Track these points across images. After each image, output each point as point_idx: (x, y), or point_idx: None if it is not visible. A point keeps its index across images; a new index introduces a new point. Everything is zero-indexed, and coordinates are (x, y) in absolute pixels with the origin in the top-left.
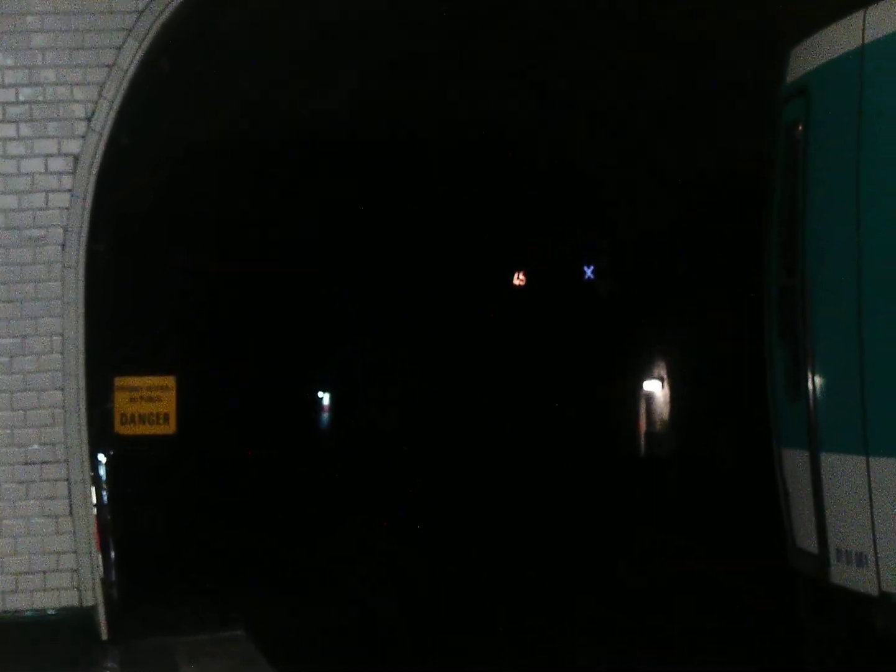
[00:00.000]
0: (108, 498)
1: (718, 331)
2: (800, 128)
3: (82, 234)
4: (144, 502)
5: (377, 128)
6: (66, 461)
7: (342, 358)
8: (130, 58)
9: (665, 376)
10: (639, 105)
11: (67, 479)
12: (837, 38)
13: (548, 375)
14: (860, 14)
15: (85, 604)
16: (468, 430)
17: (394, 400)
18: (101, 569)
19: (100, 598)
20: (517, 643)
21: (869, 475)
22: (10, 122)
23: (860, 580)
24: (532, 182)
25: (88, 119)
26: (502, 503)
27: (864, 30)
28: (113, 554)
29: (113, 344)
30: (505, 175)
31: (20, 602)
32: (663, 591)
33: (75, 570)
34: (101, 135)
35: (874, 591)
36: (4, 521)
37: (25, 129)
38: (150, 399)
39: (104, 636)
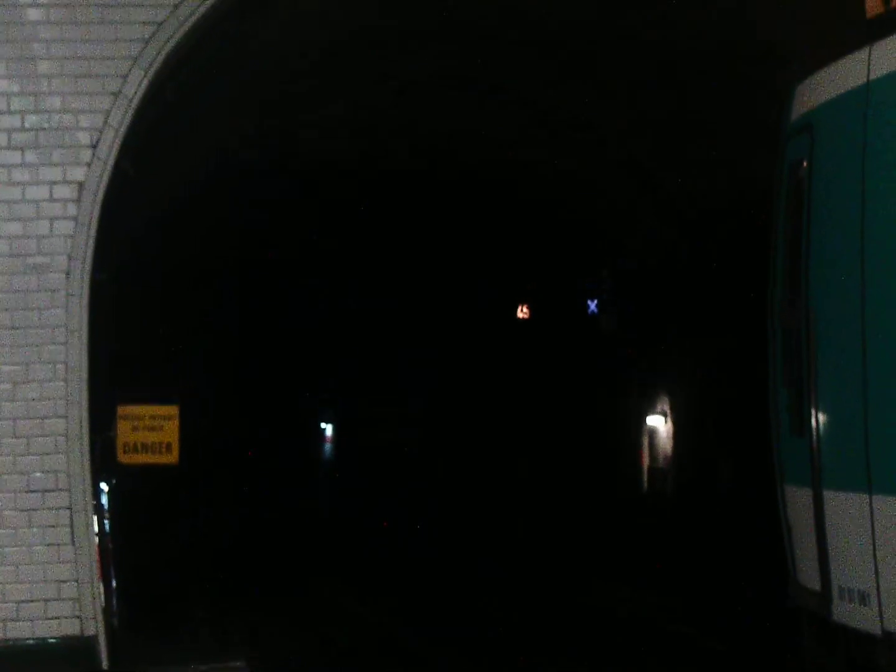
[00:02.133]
0: (109, 527)
1: (722, 366)
2: (804, 165)
3: (86, 262)
4: (146, 534)
5: (380, 158)
6: (69, 489)
7: (343, 388)
8: (136, 86)
9: (668, 411)
10: (644, 139)
11: (69, 508)
12: (842, 75)
13: (551, 407)
14: (865, 51)
15: (86, 633)
16: (468, 460)
17: (394, 428)
18: (103, 598)
19: (101, 628)
20: None
21: (872, 513)
22: (15, 148)
23: (863, 619)
24: (534, 214)
25: (94, 147)
26: (497, 533)
27: (868, 67)
28: (114, 583)
29: (115, 372)
30: (504, 206)
31: (21, 630)
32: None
33: (76, 599)
34: (106, 163)
35: (877, 630)
36: (6, 549)
37: (31, 156)
38: (152, 428)
39: (105, 665)
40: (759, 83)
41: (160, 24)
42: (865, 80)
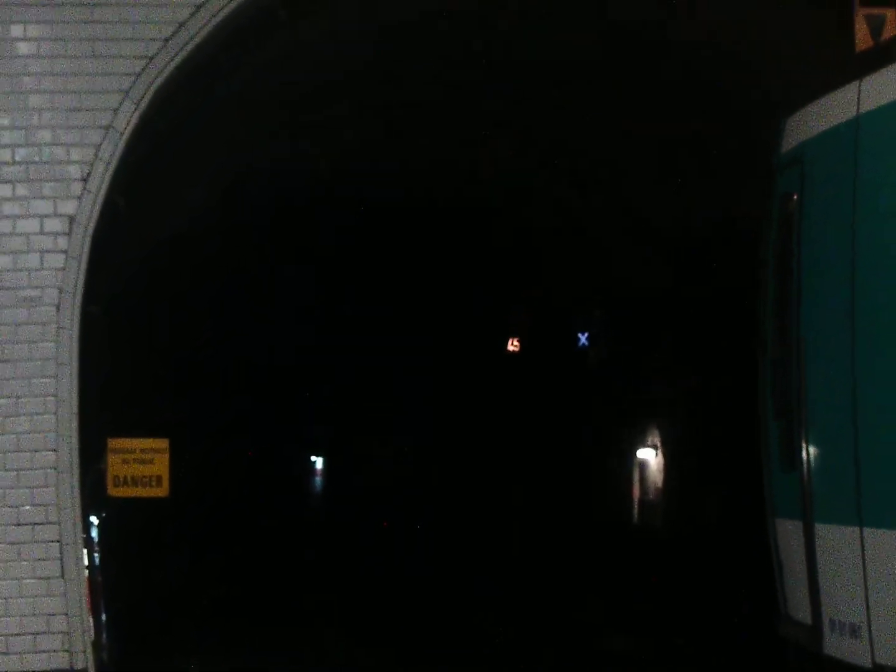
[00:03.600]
0: (99, 560)
1: (712, 398)
2: (794, 198)
3: (77, 295)
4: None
5: (372, 187)
6: (59, 522)
7: (336, 422)
8: (127, 119)
9: (658, 444)
10: (636, 171)
11: (59, 541)
12: (832, 108)
13: (543, 439)
14: (855, 84)
15: (76, 667)
16: (457, 494)
17: (387, 463)
18: (92, 631)
19: (90, 661)
20: None
21: (863, 546)
22: (5, 181)
23: (853, 652)
24: (526, 246)
25: (84, 180)
26: (487, 567)
27: (859, 100)
28: (104, 616)
29: (106, 405)
30: (498, 237)
31: (10, 664)
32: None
33: (66, 633)
34: (96, 196)
35: (867, 664)
36: None
37: (21, 189)
38: (143, 461)
39: None
40: (747, 118)
41: (151, 57)
42: (855, 113)
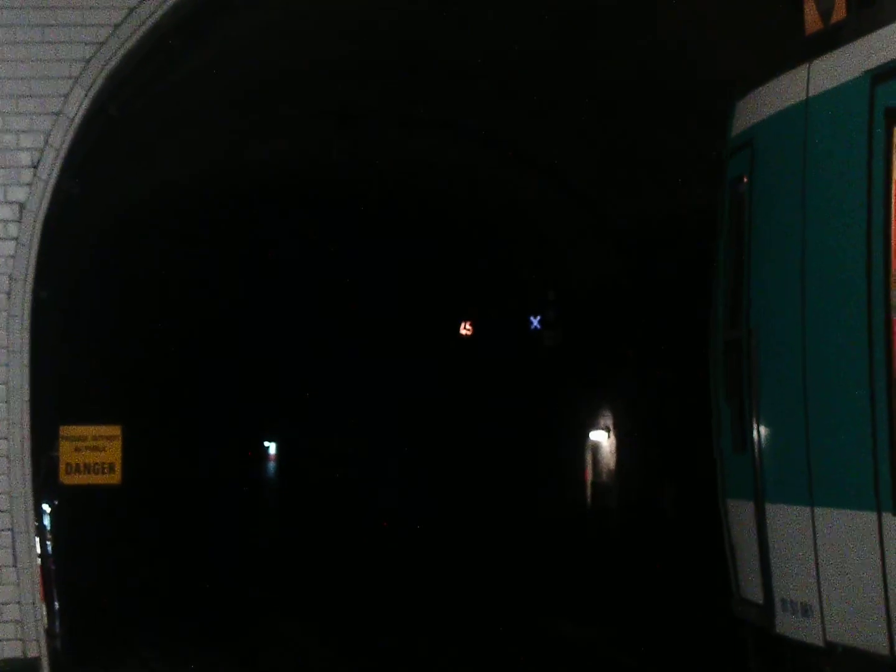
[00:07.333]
0: (52, 548)
1: (664, 381)
2: (744, 181)
3: (28, 283)
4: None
5: (323, 179)
6: (11, 511)
7: (289, 412)
8: (77, 106)
9: (611, 426)
10: (589, 167)
11: (11, 530)
12: (782, 91)
13: (494, 423)
14: (805, 67)
15: (28, 655)
16: (410, 480)
17: (337, 455)
18: (45, 619)
19: (44, 650)
20: None
21: (814, 525)
22: None
23: (805, 630)
24: (480, 231)
25: (35, 167)
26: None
27: (808, 83)
28: (57, 605)
29: (58, 393)
30: (452, 223)
31: None
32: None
33: (19, 622)
34: (47, 183)
35: (819, 642)
36: None
37: None
38: (95, 448)
39: None
40: (699, 112)
41: (101, 43)
42: (805, 95)
